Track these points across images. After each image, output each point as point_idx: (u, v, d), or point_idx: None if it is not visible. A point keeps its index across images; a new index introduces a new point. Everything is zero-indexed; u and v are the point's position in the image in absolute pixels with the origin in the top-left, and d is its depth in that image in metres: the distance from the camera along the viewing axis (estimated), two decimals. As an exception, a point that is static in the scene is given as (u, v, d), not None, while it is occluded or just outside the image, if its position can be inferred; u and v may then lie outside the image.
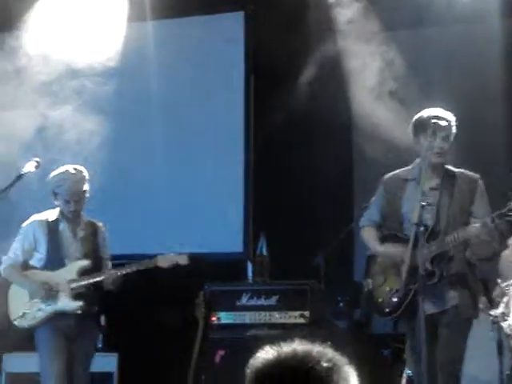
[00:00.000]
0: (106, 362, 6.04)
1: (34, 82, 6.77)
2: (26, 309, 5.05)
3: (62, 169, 5.10)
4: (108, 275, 5.07)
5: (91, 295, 5.08)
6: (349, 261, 7.00)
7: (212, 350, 5.40)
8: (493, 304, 5.43)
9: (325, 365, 1.64)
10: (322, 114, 6.72)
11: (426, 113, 4.51)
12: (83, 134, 6.77)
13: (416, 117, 4.56)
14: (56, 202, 5.12)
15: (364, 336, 6.48)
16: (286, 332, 5.18)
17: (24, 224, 5.21)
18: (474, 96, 6.47)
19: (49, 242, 5.11)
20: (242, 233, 7.22)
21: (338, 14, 6.55)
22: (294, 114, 6.81)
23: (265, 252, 5.84)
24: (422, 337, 4.07)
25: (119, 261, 5.34)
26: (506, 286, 5.35)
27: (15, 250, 5.15)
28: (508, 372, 5.22)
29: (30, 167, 5.11)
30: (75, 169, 5.10)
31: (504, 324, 5.20)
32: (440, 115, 4.45)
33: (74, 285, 5.03)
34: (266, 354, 1.68)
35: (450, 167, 4.58)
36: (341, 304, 6.33)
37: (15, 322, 5.08)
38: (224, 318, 5.49)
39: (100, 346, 5.96)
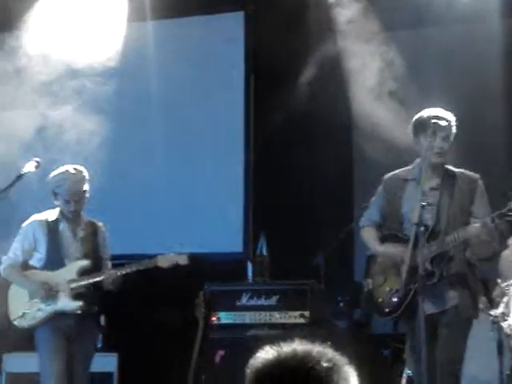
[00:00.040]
0: (105, 362, 6.04)
1: (33, 82, 6.76)
2: (25, 309, 5.04)
3: (61, 169, 5.10)
4: (108, 275, 5.07)
5: (91, 295, 5.08)
6: (349, 261, 7.00)
7: (212, 349, 5.39)
8: (493, 304, 5.43)
9: (325, 365, 1.64)
10: (322, 114, 6.72)
11: (426, 113, 4.50)
12: (83, 134, 6.77)
13: (416, 117, 4.56)
14: (56, 202, 5.12)
15: (364, 336, 6.48)
16: (285, 332, 5.18)
17: (24, 224, 5.20)
18: (474, 96, 6.47)
19: (49, 242, 5.11)
20: (242, 233, 7.21)
21: (338, 14, 6.55)
22: (294, 114, 6.81)
23: (265, 252, 5.83)
24: (421, 337, 4.06)
25: (119, 261, 5.34)
26: (506, 285, 5.35)
27: (15, 249, 5.15)
28: (508, 372, 5.21)
29: (30, 167, 5.10)
30: (75, 169, 5.10)
31: (504, 324, 5.20)
32: (440, 115, 4.45)
33: (73, 285, 5.03)
34: (266, 353, 1.68)
35: (450, 167, 4.58)
36: (341, 304, 6.33)
37: (15, 322, 5.08)
38: (224, 318, 5.48)
39: (100, 346, 5.94)
